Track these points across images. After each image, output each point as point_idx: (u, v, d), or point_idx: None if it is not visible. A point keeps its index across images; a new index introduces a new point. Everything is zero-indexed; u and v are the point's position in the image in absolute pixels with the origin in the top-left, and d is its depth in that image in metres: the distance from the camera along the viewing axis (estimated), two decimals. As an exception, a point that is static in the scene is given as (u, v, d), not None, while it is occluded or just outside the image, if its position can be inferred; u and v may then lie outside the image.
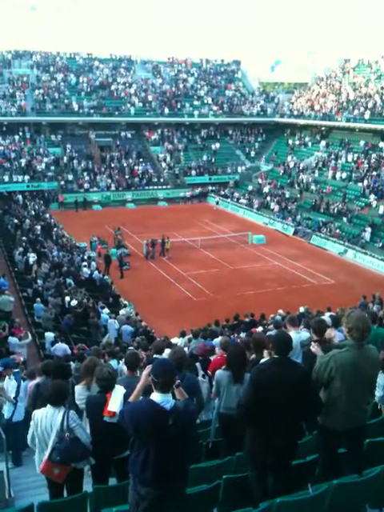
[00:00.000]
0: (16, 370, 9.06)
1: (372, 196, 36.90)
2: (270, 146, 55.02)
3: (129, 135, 52.09)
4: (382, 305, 19.34)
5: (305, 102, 53.97)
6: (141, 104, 52.36)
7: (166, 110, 52.28)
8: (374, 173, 39.06)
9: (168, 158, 50.79)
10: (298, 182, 44.29)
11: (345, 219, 36.07)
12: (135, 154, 50.07)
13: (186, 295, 24.87)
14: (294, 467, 4.60)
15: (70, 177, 45.48)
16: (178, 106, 53.66)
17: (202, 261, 30.07)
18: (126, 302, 22.42)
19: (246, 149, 54.79)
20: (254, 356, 7.01)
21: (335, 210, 37.44)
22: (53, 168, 45.64)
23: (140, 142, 52.53)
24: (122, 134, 51.76)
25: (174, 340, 14.07)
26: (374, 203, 35.93)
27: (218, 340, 11.17)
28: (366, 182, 38.75)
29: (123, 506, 4.24)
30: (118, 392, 4.97)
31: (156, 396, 3.71)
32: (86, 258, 27.04)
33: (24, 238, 27.93)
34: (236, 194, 47.25)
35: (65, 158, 47.12)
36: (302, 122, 51.32)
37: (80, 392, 5.85)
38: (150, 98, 53.16)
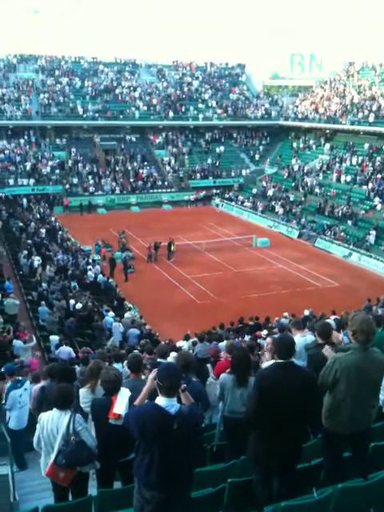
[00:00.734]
0: (18, 378, 8.93)
1: (377, 199, 36.82)
2: (274, 149, 55.02)
3: (133, 139, 52.23)
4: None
5: (309, 104, 53.97)
6: (145, 107, 52.50)
7: (171, 114, 52.39)
8: (379, 176, 38.99)
9: (172, 162, 50.88)
10: (302, 185, 44.26)
11: (349, 222, 36.01)
12: (140, 157, 50.18)
13: (190, 298, 24.87)
14: (298, 471, 4.59)
15: (75, 180, 45.60)
16: (183, 110, 53.75)
17: (207, 264, 30.07)
18: (130, 305, 22.44)
19: (250, 152, 54.80)
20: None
21: (340, 213, 37.38)
22: (58, 171, 45.80)
23: (144, 145, 52.64)
24: (127, 137, 51.90)
25: (179, 343, 14.07)
26: (379, 206, 35.86)
27: (223, 344, 11.18)
28: (370, 185, 38.68)
29: (128, 509, 4.25)
30: (124, 394, 4.98)
31: (161, 400, 3.72)
32: (90, 261, 27.11)
33: (29, 241, 28.04)
34: (240, 197, 47.25)
35: (70, 162, 47.28)
36: (306, 125, 51.32)
37: (84, 395, 5.86)
38: (154, 101, 53.31)
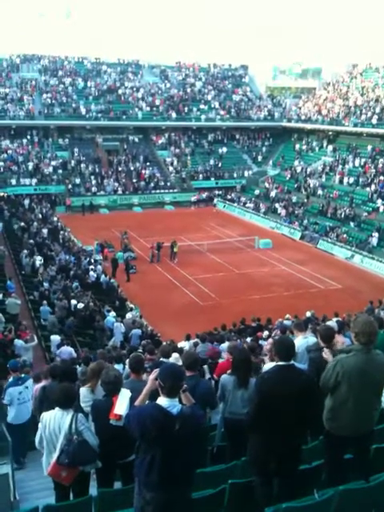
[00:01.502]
0: (21, 375, 8.96)
1: (379, 201, 36.77)
2: (276, 151, 55.01)
3: (136, 139, 52.27)
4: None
5: (312, 106, 53.95)
6: (148, 108, 52.55)
7: (174, 115, 52.42)
8: (382, 178, 38.96)
9: (175, 162, 50.90)
10: (305, 186, 44.23)
11: (352, 224, 35.99)
12: (142, 157, 50.22)
13: (192, 299, 24.85)
14: (299, 472, 4.57)
15: (77, 180, 45.64)
16: (186, 111, 53.78)
17: (209, 265, 30.05)
18: (132, 306, 22.43)
19: (252, 153, 54.80)
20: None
21: (342, 215, 37.35)
22: (60, 171, 45.83)
23: (147, 146, 52.68)
24: (130, 137, 51.94)
25: (181, 344, 14.05)
26: (382, 208, 35.82)
27: (225, 345, 11.17)
28: (373, 187, 38.65)
29: (129, 509, 4.24)
30: (124, 395, 4.97)
31: (162, 400, 3.70)
32: (92, 261, 27.13)
33: (31, 240, 28.06)
34: (243, 199, 47.25)
35: (72, 162, 47.31)
36: (309, 126, 51.30)
37: (85, 394, 5.85)
38: (157, 102, 53.34)
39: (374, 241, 32.61)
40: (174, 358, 10.33)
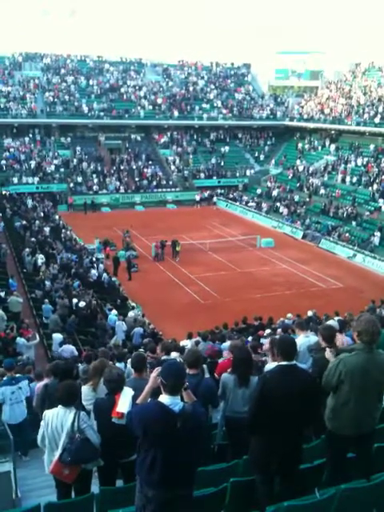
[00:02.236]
0: (15, 375, 8.96)
1: (381, 200, 36.76)
2: (279, 150, 54.96)
3: (138, 138, 52.26)
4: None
5: (315, 105, 53.88)
6: (150, 107, 52.53)
7: (176, 113, 52.40)
8: (384, 177, 38.92)
9: (177, 161, 50.88)
10: (307, 185, 44.20)
11: (354, 223, 35.96)
12: (144, 156, 50.22)
13: (193, 298, 24.87)
14: (301, 471, 4.58)
15: (80, 179, 45.65)
16: (188, 109, 53.76)
17: (210, 264, 30.06)
18: (133, 304, 22.45)
19: (255, 152, 54.77)
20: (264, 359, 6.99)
21: (344, 214, 37.32)
22: (62, 170, 45.86)
23: (149, 144, 52.68)
24: (132, 136, 51.93)
25: (183, 342, 14.06)
26: (384, 207, 35.81)
27: (226, 344, 11.17)
28: (375, 186, 38.61)
29: (129, 507, 4.24)
30: (127, 394, 4.98)
31: (164, 398, 3.70)
32: (94, 259, 27.14)
33: (33, 239, 28.07)
34: (245, 198, 47.23)
35: (74, 160, 47.34)
36: (311, 125, 51.25)
37: (86, 393, 5.86)
38: (159, 100, 53.31)
39: (376, 240, 32.59)
40: (174, 356, 10.36)
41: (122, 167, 48.47)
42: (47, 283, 21.43)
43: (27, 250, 25.15)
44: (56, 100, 49.60)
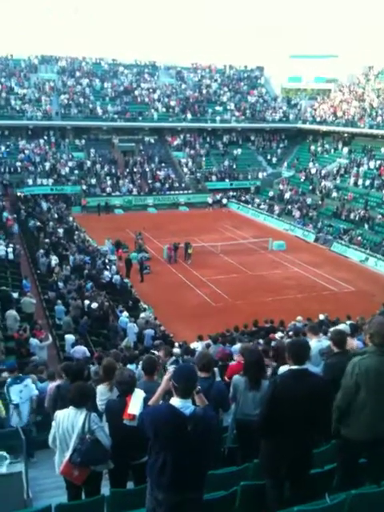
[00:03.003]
0: (19, 374, 8.97)
1: (395, 204, 36.50)
2: (291, 152, 54.80)
3: (151, 140, 52.43)
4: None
5: (328, 108, 53.68)
6: (164, 109, 52.68)
7: (189, 116, 52.51)
8: (398, 180, 38.64)
9: (190, 163, 50.95)
10: (319, 188, 44.01)
11: (366, 226, 35.73)
12: (157, 158, 50.36)
13: (204, 300, 24.87)
14: (311, 476, 4.57)
15: (93, 181, 45.91)
16: (201, 112, 53.83)
17: (222, 266, 30.04)
18: (145, 306, 22.52)
19: (267, 155, 54.66)
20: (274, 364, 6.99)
21: (357, 217, 37.11)
22: (76, 172, 46.16)
23: (162, 147, 52.81)
24: (145, 138, 52.11)
25: (193, 345, 14.09)
26: (397, 211, 35.54)
27: (237, 347, 11.17)
28: (388, 190, 38.34)
29: (140, 510, 4.26)
30: (138, 395, 5.00)
31: (176, 401, 3.73)
32: (106, 261, 27.27)
33: (47, 240, 28.27)
34: (257, 200, 47.14)
35: (88, 162, 47.61)
36: (324, 128, 51.04)
37: (102, 392, 5.89)
38: (173, 103, 53.45)
39: (389, 244, 32.37)
40: (176, 352, 10.46)
41: (135, 169, 48.66)
42: (60, 284, 21.58)
43: (41, 251, 25.36)
44: (71, 102, 49.94)
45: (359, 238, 34.39)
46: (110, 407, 5.21)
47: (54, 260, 24.45)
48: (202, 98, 55.96)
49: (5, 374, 9.45)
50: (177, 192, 47.62)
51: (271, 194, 47.53)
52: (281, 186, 48.08)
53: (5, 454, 6.16)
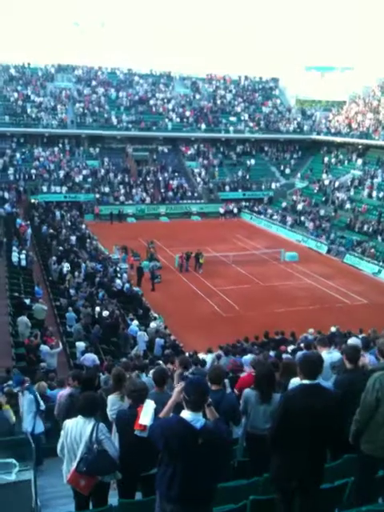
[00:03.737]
0: (27, 385, 9.05)
1: (409, 216, 36.23)
2: (305, 163, 54.73)
3: (165, 150, 52.68)
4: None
5: (342, 119, 53.62)
6: (178, 119, 52.96)
7: (203, 126, 52.74)
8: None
9: (203, 173, 51.09)
10: (333, 199, 43.86)
11: (380, 239, 35.49)
12: (171, 168, 50.57)
13: (215, 310, 24.82)
14: (321, 491, 4.52)
15: (107, 189, 46.20)
16: (215, 122, 54.04)
17: (233, 276, 29.99)
18: (155, 315, 22.52)
19: (280, 165, 54.63)
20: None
21: (370, 229, 36.89)
22: (90, 180, 46.50)
23: (176, 156, 53.03)
24: (159, 148, 52.37)
25: (201, 355, 14.01)
26: (411, 224, 35.27)
27: (247, 357, 11.12)
28: (403, 202, 38.10)
29: (147, 521, 4.24)
30: (149, 406, 4.98)
31: (186, 414, 3.71)
32: (118, 269, 27.34)
33: (59, 247, 28.43)
34: (269, 211, 47.09)
35: (102, 171, 47.96)
36: (338, 139, 50.95)
37: (113, 402, 5.87)
38: (187, 113, 53.73)
39: (403, 257, 32.11)
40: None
41: (148, 178, 48.90)
42: (72, 291, 21.66)
43: (53, 258, 25.50)
44: (86, 111, 50.43)
45: (372, 250, 34.16)
46: (120, 417, 5.19)
47: (66, 267, 24.57)
48: (217, 108, 56.21)
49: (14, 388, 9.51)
50: (189, 201, 47.75)
51: (284, 204, 47.44)
52: (294, 197, 47.99)
53: (14, 461, 6.17)
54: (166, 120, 52.14)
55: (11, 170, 44.58)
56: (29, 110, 48.22)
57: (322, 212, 42.68)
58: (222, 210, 47.16)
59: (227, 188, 50.09)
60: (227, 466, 5.59)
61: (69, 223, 37.74)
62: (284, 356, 12.18)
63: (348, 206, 41.91)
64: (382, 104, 51.55)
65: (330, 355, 7.56)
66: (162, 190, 47.83)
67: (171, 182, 48.79)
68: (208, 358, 13.04)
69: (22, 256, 25.11)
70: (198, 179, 50.38)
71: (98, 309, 19.53)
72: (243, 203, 49.21)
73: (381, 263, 32.11)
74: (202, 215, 46.88)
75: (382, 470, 4.68)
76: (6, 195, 40.98)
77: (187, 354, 15.27)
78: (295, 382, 5.94)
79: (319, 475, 4.42)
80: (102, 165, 48.73)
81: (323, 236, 38.73)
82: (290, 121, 56.85)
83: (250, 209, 48.47)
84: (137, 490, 5.35)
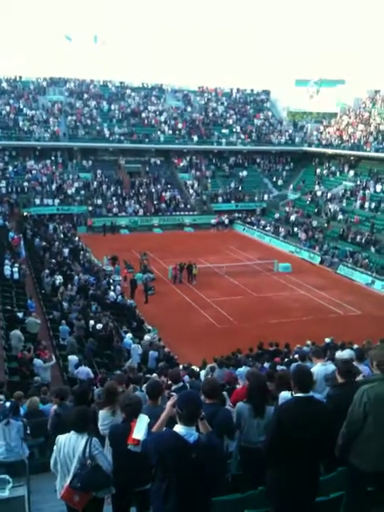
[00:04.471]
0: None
1: (401, 227, 36.46)
2: (297, 175, 55.10)
3: (158, 162, 52.90)
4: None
5: (333, 131, 54.09)
6: (170, 131, 53.24)
7: (195, 138, 53.03)
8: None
9: (196, 185, 51.28)
10: (325, 211, 44.10)
11: (373, 249, 35.67)
12: (163, 180, 50.74)
13: (209, 322, 24.77)
14: (316, 505, 4.50)
15: (99, 201, 46.24)
16: (207, 134, 54.36)
17: (227, 288, 29.99)
18: (149, 327, 22.44)
19: (273, 177, 54.96)
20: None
21: (363, 240, 37.09)
22: (83, 192, 46.54)
23: (168, 168, 53.24)
24: (152, 160, 52.58)
25: (197, 368, 13.95)
26: (403, 234, 35.49)
27: (242, 370, 11.07)
28: (394, 213, 38.35)
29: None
30: (143, 420, 4.95)
31: (179, 428, 3.68)
32: (111, 281, 27.26)
33: (52, 260, 28.33)
34: (262, 222, 47.26)
35: (95, 183, 48.03)
36: (330, 151, 51.39)
37: (104, 417, 5.82)
38: (179, 125, 54.04)
39: (395, 267, 32.25)
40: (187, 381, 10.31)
41: (141, 190, 49.02)
42: (65, 304, 21.55)
43: (46, 271, 25.39)
44: (78, 124, 50.60)
45: (365, 260, 34.31)
46: (113, 432, 5.14)
47: (59, 280, 24.47)
48: (208, 120, 56.60)
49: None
50: (182, 213, 47.90)
51: (277, 215, 47.65)
52: (286, 208, 48.23)
53: (7, 477, 6.10)
54: (159, 132, 52.42)
55: (3, 183, 44.55)
56: (21, 123, 48.35)
57: (314, 223, 42.89)
58: (214, 222, 47.27)
59: (220, 199, 50.31)
60: (222, 480, 5.54)
61: (62, 235, 37.67)
62: (278, 368, 12.16)
63: (340, 217, 42.16)
64: (373, 116, 52.09)
65: (324, 367, 7.55)
66: (155, 202, 47.94)
67: (164, 193, 48.92)
68: (202, 372, 12.94)
69: (15, 269, 25.00)
70: (191, 191, 50.56)
71: (91, 322, 19.43)
72: (236, 214, 49.40)
73: (374, 274, 32.23)
74: (195, 227, 47.01)
75: (372, 485, 4.64)
76: (-1, 208, 40.85)
77: (181, 367, 15.21)
78: (286, 395, 5.91)
79: (314, 489, 4.40)
80: (94, 177, 48.82)
81: (316, 247, 38.88)
82: (282, 133, 57.31)
83: (242, 220, 48.64)
84: (131, 506, 5.30)
